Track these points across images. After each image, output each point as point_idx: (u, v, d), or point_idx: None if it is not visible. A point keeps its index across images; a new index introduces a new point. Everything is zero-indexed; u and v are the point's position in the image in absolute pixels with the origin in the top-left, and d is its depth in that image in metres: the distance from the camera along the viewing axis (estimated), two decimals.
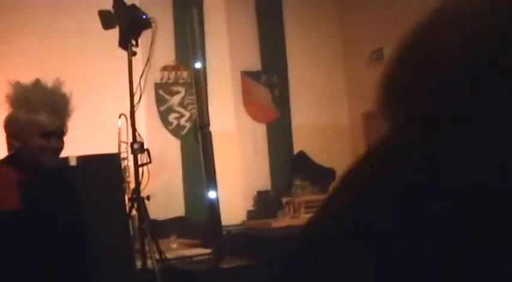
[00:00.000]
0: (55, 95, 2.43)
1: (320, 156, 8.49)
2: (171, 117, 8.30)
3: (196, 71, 5.96)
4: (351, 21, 9.36)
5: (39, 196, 2.35)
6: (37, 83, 2.42)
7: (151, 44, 5.30)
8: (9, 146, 2.42)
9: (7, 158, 2.42)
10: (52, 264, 2.33)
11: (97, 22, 5.45)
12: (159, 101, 8.27)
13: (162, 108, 8.29)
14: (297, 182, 7.88)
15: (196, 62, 5.92)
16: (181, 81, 8.38)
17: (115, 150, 5.67)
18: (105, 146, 5.31)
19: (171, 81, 8.36)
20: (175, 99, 8.35)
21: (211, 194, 5.48)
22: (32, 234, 2.28)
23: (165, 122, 8.26)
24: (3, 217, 2.25)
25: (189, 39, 6.02)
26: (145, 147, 5.16)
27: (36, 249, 2.28)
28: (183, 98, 8.38)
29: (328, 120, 9.08)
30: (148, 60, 5.31)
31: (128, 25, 5.26)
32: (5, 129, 2.43)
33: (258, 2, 9.13)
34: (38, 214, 2.32)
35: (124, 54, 5.29)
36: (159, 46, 5.85)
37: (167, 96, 8.32)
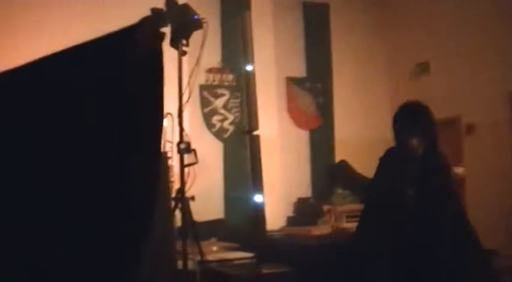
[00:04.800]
0: None
1: (361, 167, 8.37)
2: (215, 119, 8.29)
3: (247, 74, 5.91)
4: (396, 33, 9.25)
5: None
6: None
7: (201, 45, 5.24)
8: None
9: None
10: None
11: None
12: (204, 102, 8.26)
13: (206, 110, 8.28)
14: (338, 191, 7.78)
15: (246, 65, 5.86)
16: (226, 84, 8.37)
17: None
18: None
19: (216, 83, 8.34)
20: (220, 102, 8.33)
21: (258, 198, 5.38)
22: None
23: (208, 124, 8.25)
24: None
25: (240, 42, 5.97)
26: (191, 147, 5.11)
27: None
28: (227, 100, 8.35)
29: (371, 130, 8.96)
30: (197, 61, 5.26)
31: (179, 24, 5.22)
32: None
33: (305, 9, 9.10)
34: None
35: (172, 53, 5.24)
36: (205, 47, 5.80)
37: (211, 98, 8.30)
